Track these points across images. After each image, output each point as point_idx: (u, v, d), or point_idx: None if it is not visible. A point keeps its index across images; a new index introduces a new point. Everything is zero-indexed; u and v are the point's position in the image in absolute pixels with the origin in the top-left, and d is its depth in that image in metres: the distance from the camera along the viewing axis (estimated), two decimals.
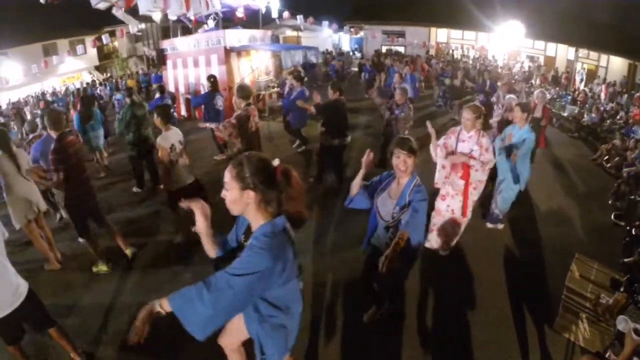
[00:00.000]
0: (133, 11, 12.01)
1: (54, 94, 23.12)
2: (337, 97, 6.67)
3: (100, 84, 24.28)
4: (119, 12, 12.70)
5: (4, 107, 21.90)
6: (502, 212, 5.72)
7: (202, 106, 9.01)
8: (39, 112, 16.23)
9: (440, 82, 14.71)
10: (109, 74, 29.36)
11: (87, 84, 23.26)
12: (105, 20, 22.55)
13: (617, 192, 7.06)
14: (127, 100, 7.60)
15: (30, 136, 6.57)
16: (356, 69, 21.12)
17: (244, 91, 6.04)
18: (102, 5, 12.08)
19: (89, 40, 17.11)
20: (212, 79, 8.52)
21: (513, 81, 15.17)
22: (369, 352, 3.64)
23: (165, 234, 5.93)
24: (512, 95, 7.76)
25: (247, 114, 5.85)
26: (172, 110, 5.52)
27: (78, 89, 21.85)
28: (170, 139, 4.99)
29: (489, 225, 5.87)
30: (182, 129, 5.87)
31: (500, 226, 5.84)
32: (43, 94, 23.37)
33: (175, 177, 5.09)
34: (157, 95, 9.19)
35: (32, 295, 3.21)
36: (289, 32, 26.59)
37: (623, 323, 2.77)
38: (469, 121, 4.54)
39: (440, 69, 18.75)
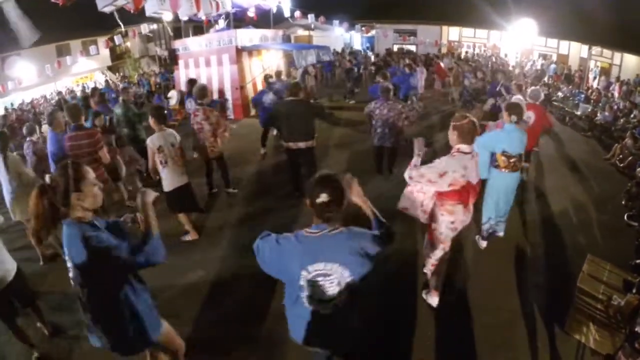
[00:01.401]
0: (141, 13, 12.13)
1: (71, 91, 23.51)
2: (293, 99, 6.29)
3: (121, 82, 24.64)
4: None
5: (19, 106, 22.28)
6: (485, 227, 5.21)
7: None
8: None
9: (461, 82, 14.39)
10: (121, 74, 29.63)
11: (105, 81, 23.64)
12: (117, 21, 22.77)
13: (630, 193, 6.97)
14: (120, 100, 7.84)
15: (28, 139, 6.42)
16: (372, 68, 20.65)
17: (196, 89, 6.66)
18: (108, 9, 12.22)
19: (102, 40, 17.25)
20: (190, 82, 8.68)
21: (527, 80, 14.99)
22: (377, 354, 3.64)
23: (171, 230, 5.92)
24: (518, 96, 7.37)
25: (196, 114, 6.34)
26: (165, 111, 5.63)
27: (92, 89, 22.19)
28: (159, 140, 5.04)
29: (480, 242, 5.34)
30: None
31: (483, 244, 5.25)
32: (60, 92, 23.73)
33: (163, 179, 5.25)
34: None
35: (20, 274, 3.59)
36: (301, 32, 26.57)
37: None
38: (450, 135, 3.66)
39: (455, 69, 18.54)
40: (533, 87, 7.91)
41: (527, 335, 3.83)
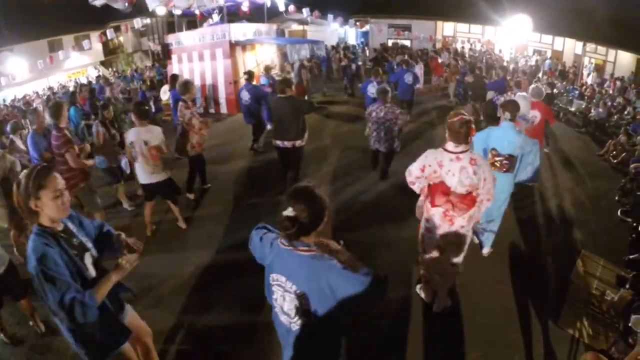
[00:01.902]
0: (138, 7, 12.09)
1: (63, 87, 23.33)
2: (281, 96, 6.11)
3: (118, 77, 24.51)
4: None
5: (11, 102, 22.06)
6: (482, 225, 4.90)
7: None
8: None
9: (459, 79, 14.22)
10: (114, 69, 29.42)
11: (97, 77, 23.52)
12: (110, 15, 22.64)
13: (624, 188, 7.00)
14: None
15: (10, 137, 6.28)
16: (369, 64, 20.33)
17: (178, 85, 6.69)
18: (99, 2, 12.14)
19: (94, 35, 17.09)
20: (173, 78, 8.69)
21: (525, 77, 14.95)
22: (370, 353, 3.60)
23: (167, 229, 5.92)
24: (522, 93, 7.14)
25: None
26: (147, 107, 5.57)
27: (81, 85, 22.03)
28: (133, 136, 5.04)
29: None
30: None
31: (477, 240, 5.08)
32: (51, 88, 23.54)
33: (137, 173, 5.41)
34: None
35: (12, 268, 3.61)
36: (295, 26, 26.47)
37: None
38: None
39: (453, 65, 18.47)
40: (534, 85, 7.82)
41: (523, 332, 3.81)
